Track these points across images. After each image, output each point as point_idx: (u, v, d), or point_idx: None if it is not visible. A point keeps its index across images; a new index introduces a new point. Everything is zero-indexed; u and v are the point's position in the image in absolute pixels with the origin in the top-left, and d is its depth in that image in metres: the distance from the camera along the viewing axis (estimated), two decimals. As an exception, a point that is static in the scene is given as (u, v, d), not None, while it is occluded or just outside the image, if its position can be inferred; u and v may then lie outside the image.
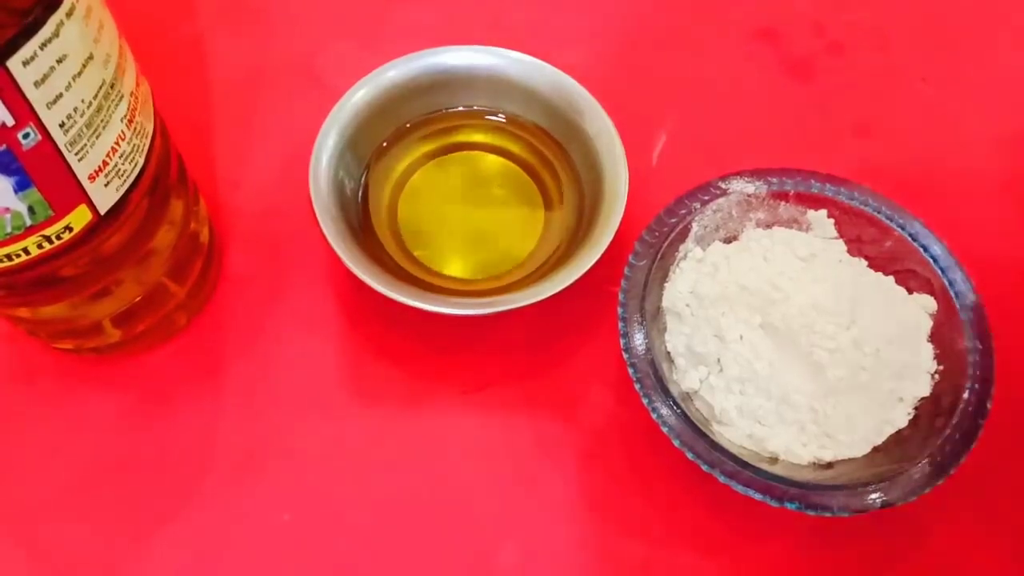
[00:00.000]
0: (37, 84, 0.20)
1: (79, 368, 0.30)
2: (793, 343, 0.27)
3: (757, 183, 0.29)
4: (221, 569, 0.27)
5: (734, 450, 0.26)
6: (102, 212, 0.24)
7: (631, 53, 0.38)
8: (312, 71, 0.37)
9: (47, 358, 0.30)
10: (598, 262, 0.28)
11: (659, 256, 0.28)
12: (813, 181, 0.29)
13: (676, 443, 0.25)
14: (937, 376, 0.27)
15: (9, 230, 0.22)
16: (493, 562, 0.28)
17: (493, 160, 0.33)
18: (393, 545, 0.28)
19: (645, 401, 0.26)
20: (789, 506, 0.25)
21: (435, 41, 0.32)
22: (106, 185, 0.24)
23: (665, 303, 0.29)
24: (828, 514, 0.24)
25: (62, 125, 0.21)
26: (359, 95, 0.31)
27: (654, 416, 0.26)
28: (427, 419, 0.30)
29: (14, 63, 0.19)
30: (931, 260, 0.28)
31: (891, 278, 0.29)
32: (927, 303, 0.28)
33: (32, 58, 0.20)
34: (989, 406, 0.26)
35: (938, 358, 0.27)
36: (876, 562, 0.28)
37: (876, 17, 0.40)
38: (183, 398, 0.30)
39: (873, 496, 0.25)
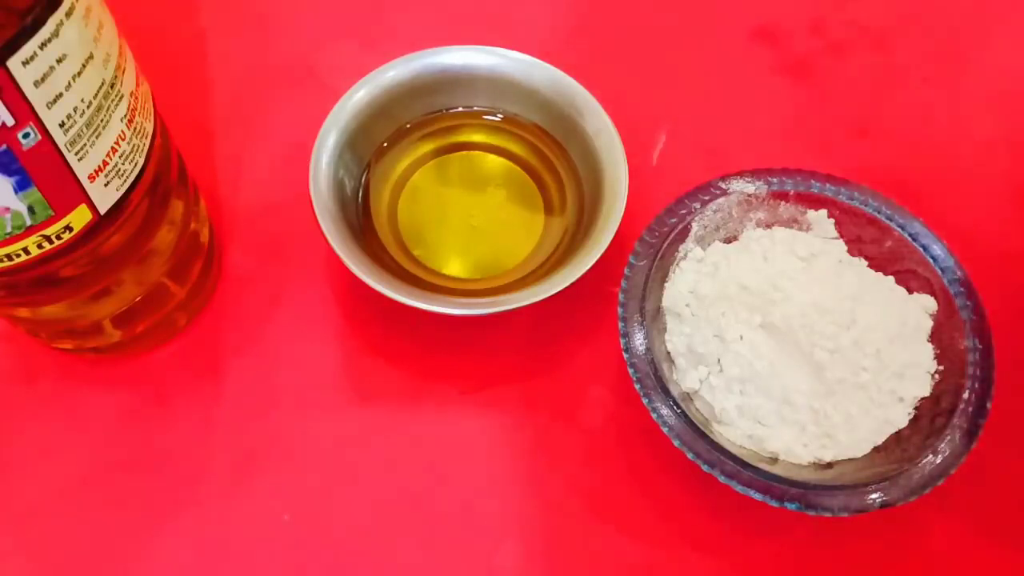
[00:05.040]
0: (37, 84, 0.20)
1: (79, 368, 0.30)
2: (793, 343, 0.27)
3: (757, 183, 0.29)
4: (221, 569, 0.27)
5: (734, 450, 0.26)
6: (102, 212, 0.24)
7: (631, 53, 0.38)
8: (312, 71, 0.37)
9: (47, 358, 0.30)
10: (598, 262, 0.28)
11: (659, 256, 0.28)
12: (813, 181, 0.29)
13: (676, 443, 0.25)
14: (937, 376, 0.27)
15: (9, 230, 0.22)
16: (493, 562, 0.28)
17: (493, 160, 0.33)
18: (393, 545, 0.28)
19: (645, 401, 0.26)
20: (789, 506, 0.25)
21: (435, 41, 0.32)
22: (106, 185, 0.24)
23: (665, 303, 0.29)
24: (828, 514, 0.24)
25: (62, 125, 0.21)
26: (359, 95, 0.31)
27: (654, 416, 0.26)
28: (427, 419, 0.30)
29: (14, 63, 0.19)
30: (931, 260, 0.28)
31: (891, 278, 0.29)
32: (927, 303, 0.28)
33: (32, 58, 0.20)
34: (989, 406, 0.26)
35: (938, 358, 0.27)
36: (876, 562, 0.28)
37: (876, 17, 0.40)
38: (183, 398, 0.30)
39: (873, 496, 0.25)
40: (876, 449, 0.27)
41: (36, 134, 0.21)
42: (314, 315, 0.31)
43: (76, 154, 0.22)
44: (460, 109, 0.34)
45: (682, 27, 0.39)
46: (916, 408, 0.27)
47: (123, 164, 0.24)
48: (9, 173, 0.21)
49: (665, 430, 0.26)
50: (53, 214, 0.22)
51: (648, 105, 0.37)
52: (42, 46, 0.20)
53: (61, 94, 0.21)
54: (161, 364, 0.30)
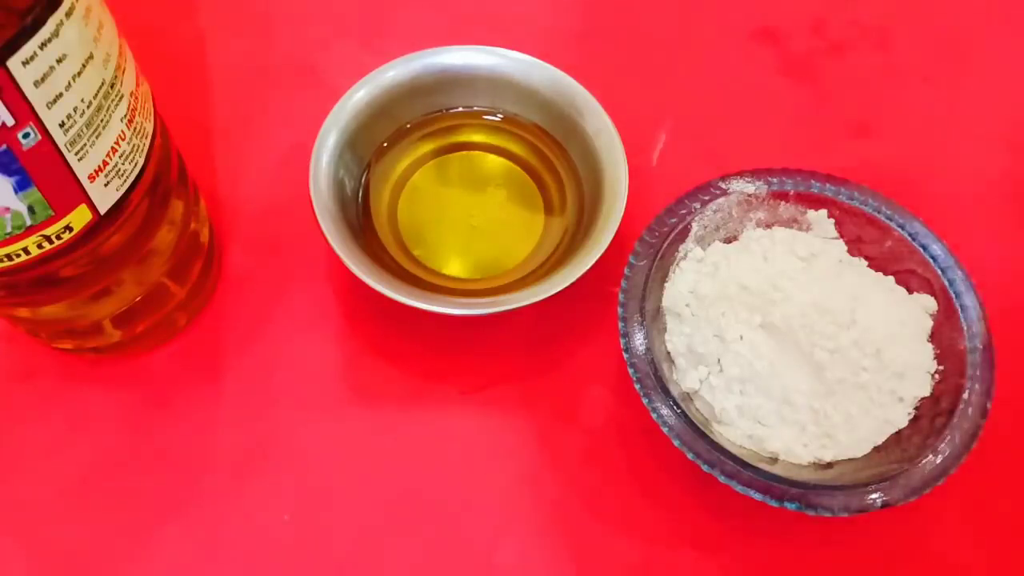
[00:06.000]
0: (37, 84, 0.20)
1: (79, 368, 0.30)
2: (793, 343, 0.27)
3: (757, 183, 0.29)
4: (221, 569, 0.27)
5: (734, 450, 0.26)
6: (102, 212, 0.24)
7: (631, 53, 0.38)
8: (313, 71, 0.37)
9: (47, 358, 0.30)
10: (598, 262, 0.28)
11: (659, 256, 0.28)
12: (813, 181, 0.29)
13: (676, 443, 0.25)
14: (937, 376, 0.27)
15: (9, 230, 0.22)
16: (493, 562, 0.28)
17: (493, 160, 0.33)
18: (393, 545, 0.28)
19: (645, 401, 0.26)
20: (789, 506, 0.25)
21: (435, 41, 0.32)
22: (106, 185, 0.24)
23: (665, 303, 0.29)
24: (828, 514, 0.24)
25: (62, 125, 0.21)
26: (359, 95, 0.31)
27: (654, 416, 0.26)
28: (427, 419, 0.30)
29: (14, 63, 0.19)
30: (931, 260, 0.28)
31: (891, 278, 0.29)
32: (927, 303, 0.28)
33: (32, 58, 0.20)
34: (989, 406, 0.26)
35: (938, 358, 0.27)
36: (876, 562, 0.28)
37: (877, 17, 0.40)
38: (183, 398, 0.30)
39: (873, 496, 0.25)
40: (876, 449, 0.27)
41: (36, 134, 0.21)
42: (314, 315, 0.31)
43: (76, 154, 0.22)
44: (460, 109, 0.34)
45: (682, 27, 0.39)
46: (916, 408, 0.27)
47: (123, 164, 0.24)
48: (9, 173, 0.21)
49: (665, 430, 0.26)
50: (53, 214, 0.22)
51: (648, 105, 0.37)
52: (42, 46, 0.20)
53: (61, 94, 0.21)
54: (161, 364, 0.30)
